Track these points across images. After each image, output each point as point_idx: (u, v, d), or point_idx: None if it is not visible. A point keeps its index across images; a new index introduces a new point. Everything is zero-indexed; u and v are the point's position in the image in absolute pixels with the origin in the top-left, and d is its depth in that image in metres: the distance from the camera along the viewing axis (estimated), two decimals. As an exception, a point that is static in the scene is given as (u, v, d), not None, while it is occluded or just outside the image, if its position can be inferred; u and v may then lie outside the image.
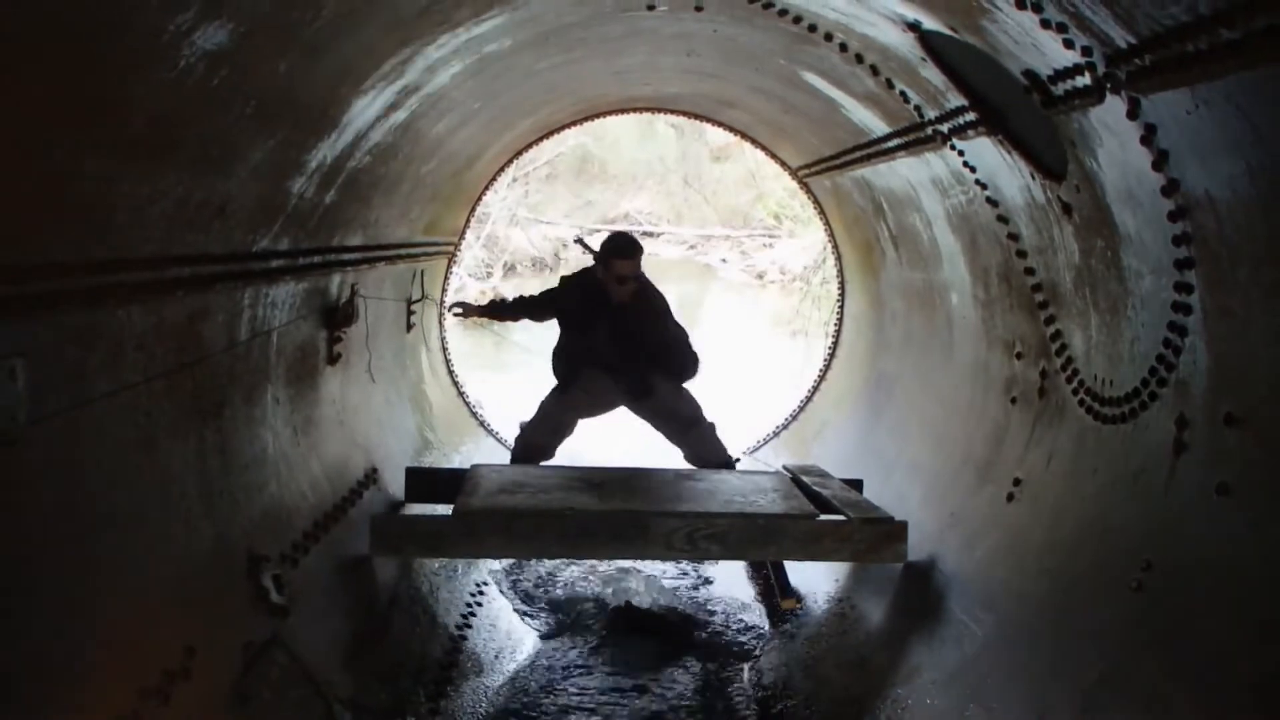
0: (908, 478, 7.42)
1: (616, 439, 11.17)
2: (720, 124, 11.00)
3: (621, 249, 8.37)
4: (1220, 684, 3.57)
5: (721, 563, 8.58)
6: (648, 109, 11.16)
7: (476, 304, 9.46)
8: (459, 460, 9.32)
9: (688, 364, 8.68)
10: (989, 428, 6.37)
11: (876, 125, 7.02)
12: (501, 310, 9.21)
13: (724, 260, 37.24)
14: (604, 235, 8.82)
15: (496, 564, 8.25)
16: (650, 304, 8.51)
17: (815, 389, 11.08)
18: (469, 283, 27.17)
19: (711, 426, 8.76)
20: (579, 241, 9.15)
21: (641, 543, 6.33)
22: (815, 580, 7.33)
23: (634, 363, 8.50)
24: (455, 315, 9.37)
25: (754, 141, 10.97)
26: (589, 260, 8.68)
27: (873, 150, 7.46)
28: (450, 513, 6.52)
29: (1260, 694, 3.36)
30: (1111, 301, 4.81)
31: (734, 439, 10.94)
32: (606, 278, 8.31)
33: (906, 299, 8.53)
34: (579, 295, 8.64)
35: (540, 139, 11.11)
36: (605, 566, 8.58)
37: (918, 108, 6.03)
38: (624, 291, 8.24)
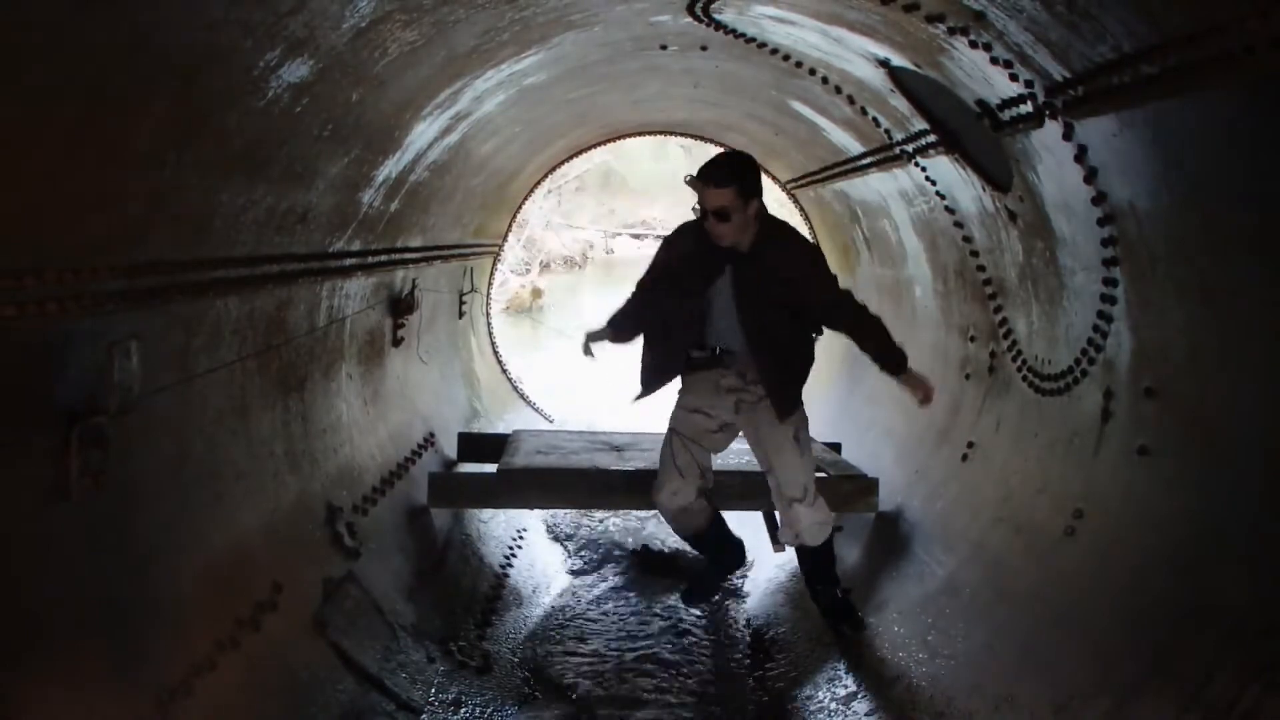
0: (879, 441, 7.40)
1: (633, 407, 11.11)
2: (722, 145, 10.90)
3: (701, 172, 5.29)
4: (1136, 608, 3.57)
5: (723, 512, 8.57)
6: (661, 132, 11.08)
7: (597, 332, 5.97)
8: (503, 426, 9.31)
9: (874, 319, 5.55)
10: (947, 399, 6.36)
11: (853, 146, 7.00)
12: (624, 321, 5.87)
13: (725, 259, 37.10)
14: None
15: (534, 513, 8.24)
16: (781, 250, 5.39)
17: (802, 367, 11.04)
18: (510, 277, 27.10)
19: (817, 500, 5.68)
20: (689, 181, 5.48)
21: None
22: (801, 527, 7.32)
23: (761, 347, 5.45)
24: (589, 357, 6.09)
25: (750, 159, 10.91)
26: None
27: (849, 167, 7.43)
28: (495, 471, 6.55)
29: (1169, 613, 3.37)
30: (1050, 294, 4.81)
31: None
32: (703, 220, 5.35)
33: (878, 291, 8.49)
34: (690, 247, 5.52)
35: (570, 157, 11.04)
36: (626, 516, 8.56)
37: (887, 131, 6.01)
38: (719, 233, 5.23)
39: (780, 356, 5.54)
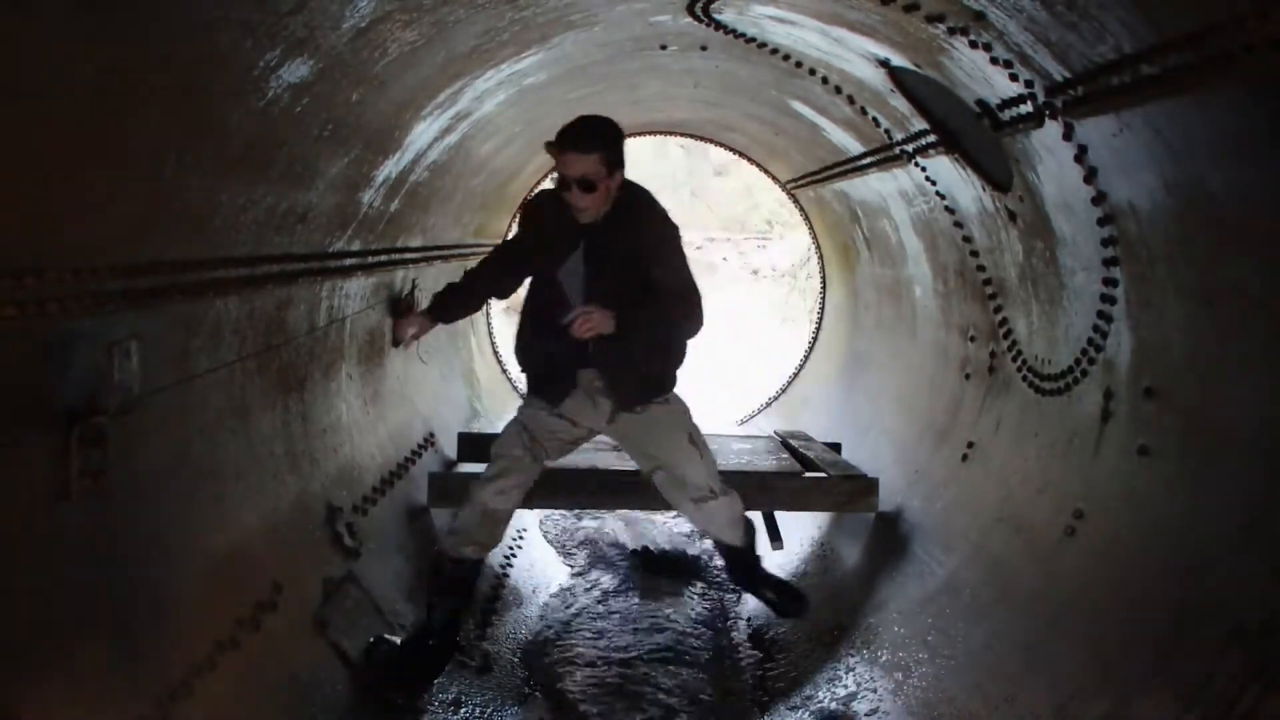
0: (879, 441, 7.40)
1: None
2: (721, 145, 10.94)
3: (561, 136, 4.80)
4: (1136, 608, 3.57)
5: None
6: (661, 132, 11.07)
7: (413, 318, 5.63)
8: (502, 426, 9.29)
9: (683, 319, 4.95)
10: (947, 399, 6.36)
11: (853, 146, 7.00)
12: (451, 302, 5.33)
13: (725, 259, 37.14)
14: None
15: (534, 513, 8.24)
16: (637, 224, 4.93)
17: (801, 367, 11.04)
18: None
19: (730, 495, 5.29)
20: (548, 146, 4.97)
21: (655, 495, 6.32)
22: (801, 528, 7.32)
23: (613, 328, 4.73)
24: (402, 347, 6.16)
25: (750, 160, 10.91)
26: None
27: (849, 167, 7.43)
28: (495, 471, 6.54)
29: (1169, 613, 3.37)
30: (1050, 294, 4.81)
31: (732, 411, 10.94)
32: (562, 190, 4.82)
33: (878, 291, 8.50)
34: (546, 220, 5.04)
35: (570, 157, 11.03)
36: (626, 516, 8.56)
37: (887, 131, 6.01)
38: (581, 205, 4.74)
39: (632, 345, 4.88)
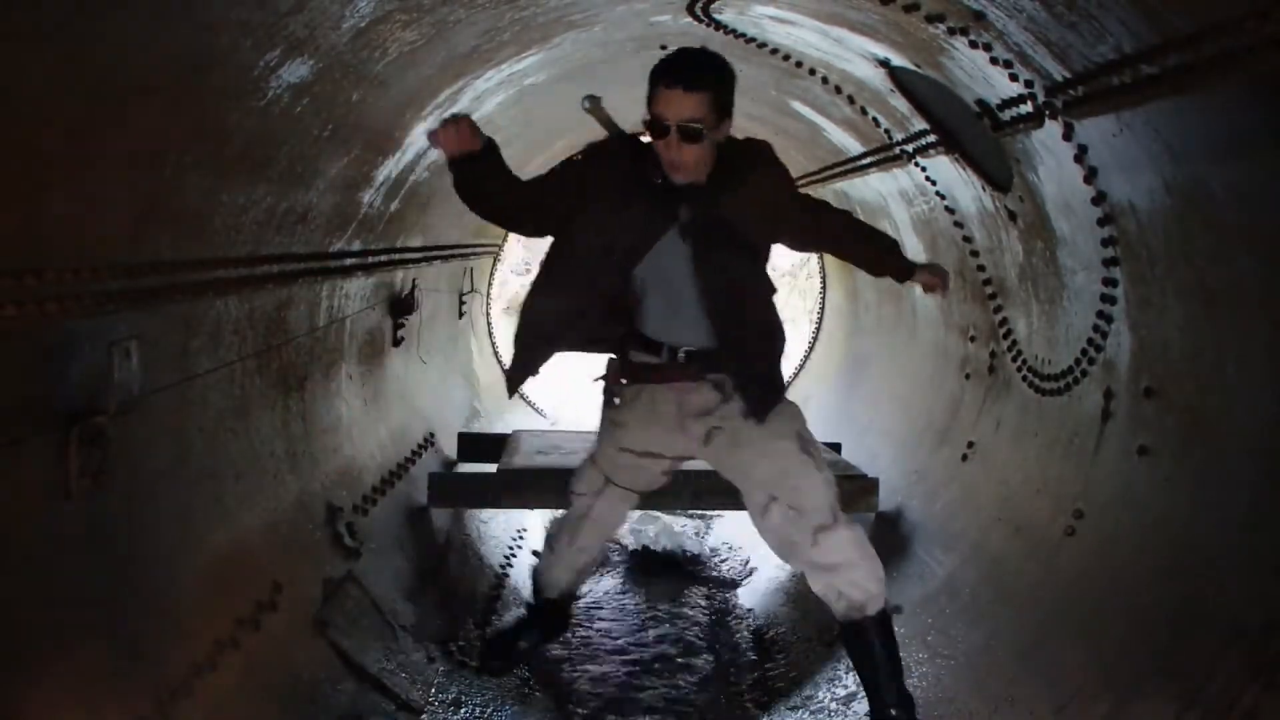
0: (879, 441, 7.40)
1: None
2: (722, 144, 10.93)
3: (663, 68, 3.71)
4: (1136, 607, 3.57)
5: (723, 511, 8.56)
6: (661, 132, 11.04)
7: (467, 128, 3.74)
8: (502, 426, 9.30)
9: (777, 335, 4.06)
10: (947, 399, 6.37)
11: (853, 146, 7.00)
12: (489, 164, 3.81)
13: (725, 259, 37.13)
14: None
15: (534, 513, 8.24)
16: (760, 178, 3.89)
17: (801, 367, 11.05)
18: (510, 278, 27.04)
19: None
20: (589, 105, 4.16)
21: (655, 495, 6.31)
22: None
23: (737, 333, 3.88)
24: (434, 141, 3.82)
25: (750, 159, 10.89)
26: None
27: (850, 167, 7.43)
28: (495, 471, 6.55)
29: (1169, 612, 3.37)
30: (1050, 294, 4.81)
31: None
32: (655, 139, 3.73)
33: (878, 291, 8.50)
34: (619, 178, 3.83)
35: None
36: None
37: (887, 131, 6.01)
38: (680, 161, 3.68)
39: (757, 339, 3.97)
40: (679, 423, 4.04)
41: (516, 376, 4.11)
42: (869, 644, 3.91)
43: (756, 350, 3.96)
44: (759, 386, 3.96)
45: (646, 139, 3.85)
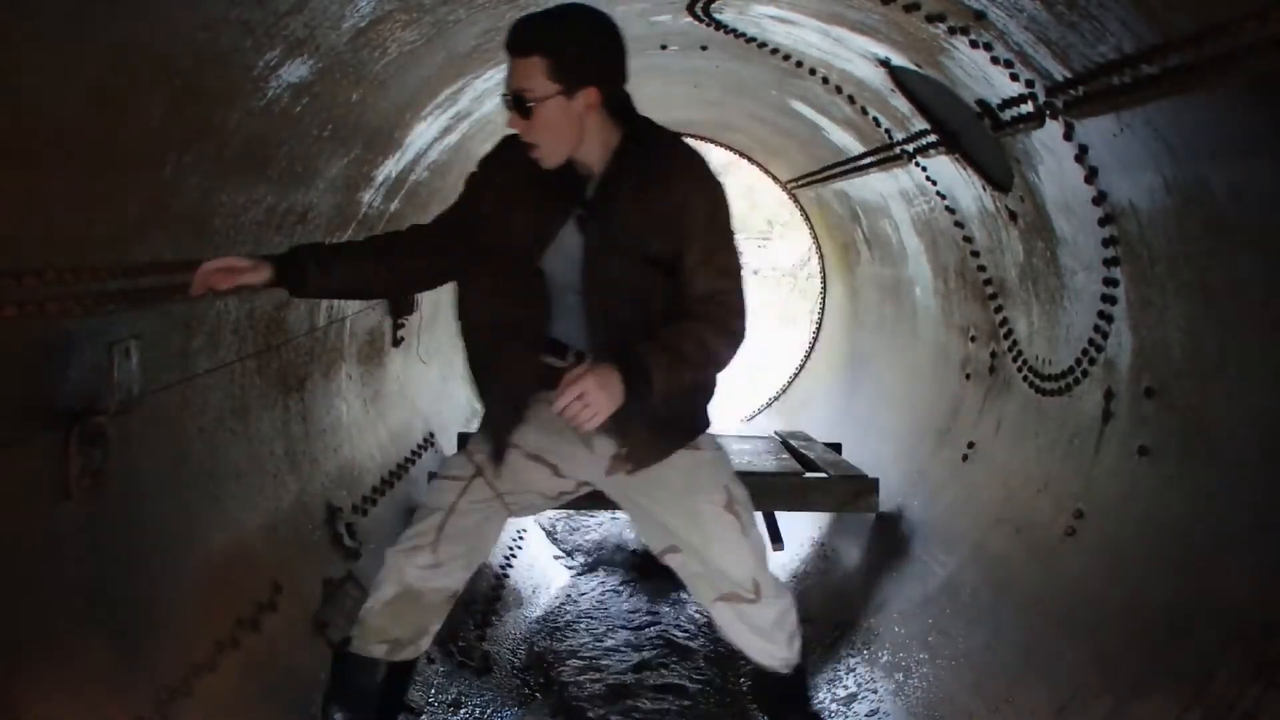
0: (880, 441, 7.40)
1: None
2: (722, 144, 10.93)
3: (509, 31, 3.21)
4: (1137, 607, 3.57)
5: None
6: (661, 132, 11.05)
7: (241, 265, 3.21)
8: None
9: (721, 333, 3.29)
10: (947, 399, 6.36)
11: (853, 146, 7.00)
12: (344, 258, 3.52)
13: (726, 259, 37.21)
14: None
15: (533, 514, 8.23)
16: (666, 180, 3.32)
17: (802, 367, 11.04)
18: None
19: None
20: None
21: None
22: (801, 528, 7.32)
23: (617, 341, 3.26)
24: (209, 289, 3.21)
25: (751, 159, 10.91)
26: None
27: (850, 167, 7.43)
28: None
29: (1169, 612, 3.37)
30: (1050, 294, 4.81)
31: (732, 411, 10.92)
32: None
33: (879, 291, 8.51)
34: (518, 174, 3.40)
35: (571, 156, 10.99)
36: (626, 516, 8.54)
37: (888, 131, 6.01)
38: (530, 139, 3.25)
39: (648, 380, 3.15)
40: (584, 437, 3.44)
41: (501, 435, 3.58)
42: (775, 692, 3.82)
43: (648, 396, 3.19)
44: (646, 423, 3.34)
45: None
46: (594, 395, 3.00)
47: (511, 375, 3.52)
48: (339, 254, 3.59)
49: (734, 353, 3.36)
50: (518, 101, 3.18)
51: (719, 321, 3.30)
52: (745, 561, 3.50)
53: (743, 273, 3.45)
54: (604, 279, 3.35)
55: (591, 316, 3.39)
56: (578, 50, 3.20)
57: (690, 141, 3.58)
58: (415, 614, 3.55)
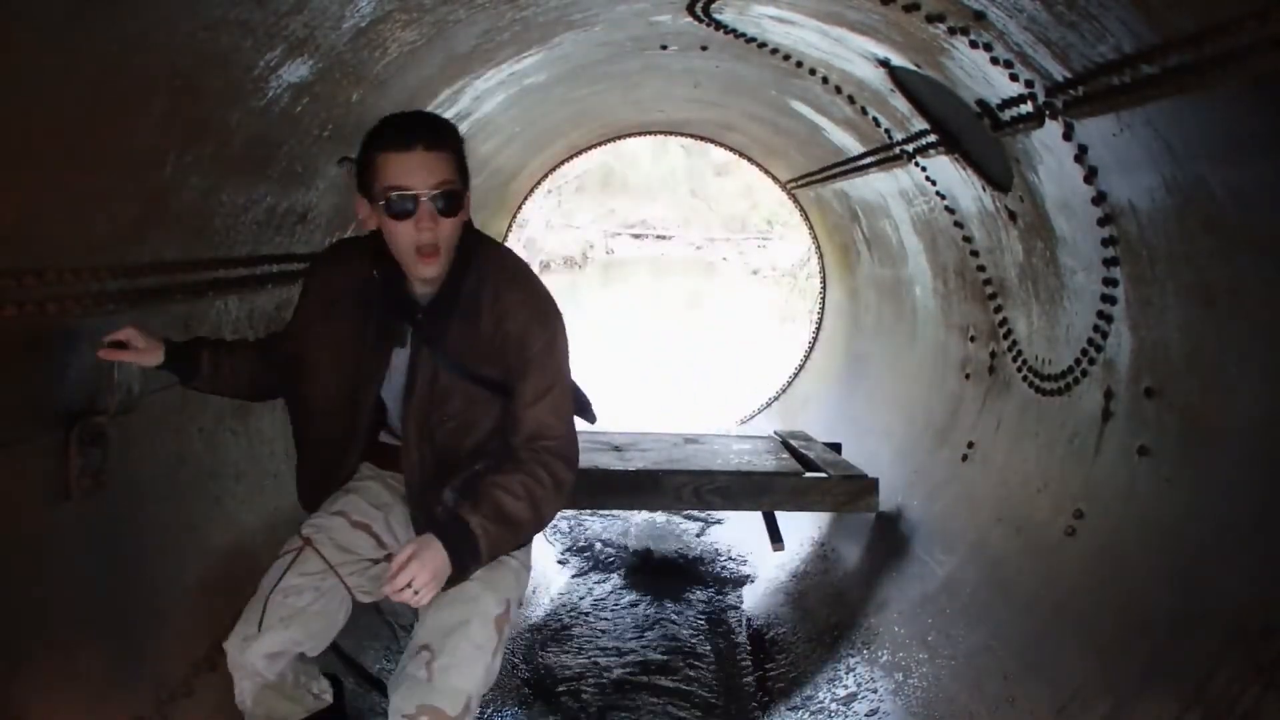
0: (879, 441, 7.40)
1: (634, 404, 11.10)
2: (722, 144, 10.93)
3: (395, 129, 3.12)
4: (1136, 608, 3.58)
5: (723, 512, 8.56)
6: (661, 132, 11.05)
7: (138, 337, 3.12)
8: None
9: (535, 488, 3.08)
10: (947, 399, 6.36)
11: (853, 146, 7.00)
12: (224, 357, 3.41)
13: (725, 259, 37.34)
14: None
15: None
16: (496, 294, 3.21)
17: (801, 367, 11.04)
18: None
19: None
20: (343, 162, 4.19)
21: (656, 496, 6.33)
22: (801, 528, 7.33)
23: (440, 466, 3.26)
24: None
25: (750, 159, 10.91)
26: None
27: (850, 167, 7.43)
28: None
29: (1169, 612, 3.37)
30: (1050, 294, 4.81)
31: (732, 411, 10.94)
32: (397, 221, 3.05)
33: (878, 291, 8.50)
34: (349, 287, 3.34)
35: (571, 157, 11.00)
36: (626, 517, 8.56)
37: (887, 131, 6.01)
38: (431, 241, 3.04)
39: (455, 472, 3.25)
40: (398, 502, 3.44)
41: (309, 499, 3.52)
42: None
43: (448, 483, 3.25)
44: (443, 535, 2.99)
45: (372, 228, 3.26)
46: (421, 579, 2.87)
47: (342, 457, 3.42)
48: (233, 352, 3.48)
49: (561, 505, 3.23)
50: (444, 199, 3.03)
51: (550, 475, 3.14)
52: (476, 680, 3.11)
53: (572, 412, 3.35)
54: (429, 400, 3.22)
55: (414, 438, 3.25)
56: (463, 150, 3.17)
57: (505, 246, 3.52)
58: (284, 690, 3.35)
